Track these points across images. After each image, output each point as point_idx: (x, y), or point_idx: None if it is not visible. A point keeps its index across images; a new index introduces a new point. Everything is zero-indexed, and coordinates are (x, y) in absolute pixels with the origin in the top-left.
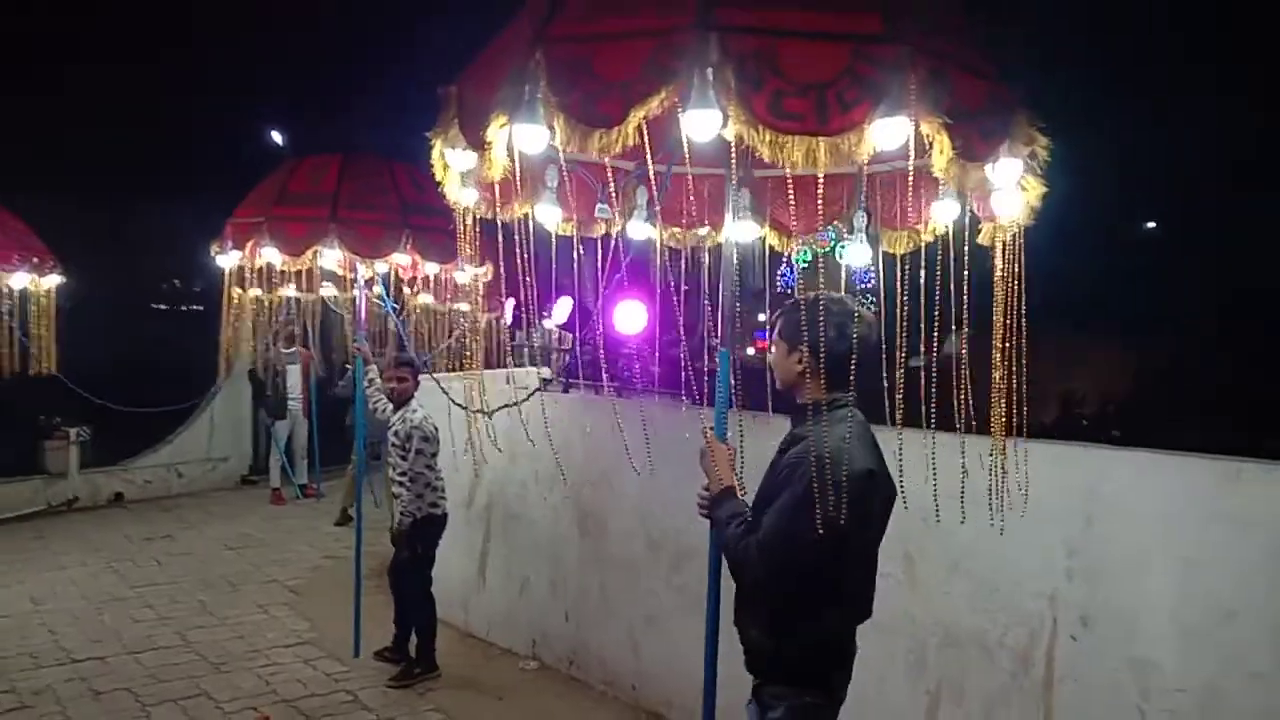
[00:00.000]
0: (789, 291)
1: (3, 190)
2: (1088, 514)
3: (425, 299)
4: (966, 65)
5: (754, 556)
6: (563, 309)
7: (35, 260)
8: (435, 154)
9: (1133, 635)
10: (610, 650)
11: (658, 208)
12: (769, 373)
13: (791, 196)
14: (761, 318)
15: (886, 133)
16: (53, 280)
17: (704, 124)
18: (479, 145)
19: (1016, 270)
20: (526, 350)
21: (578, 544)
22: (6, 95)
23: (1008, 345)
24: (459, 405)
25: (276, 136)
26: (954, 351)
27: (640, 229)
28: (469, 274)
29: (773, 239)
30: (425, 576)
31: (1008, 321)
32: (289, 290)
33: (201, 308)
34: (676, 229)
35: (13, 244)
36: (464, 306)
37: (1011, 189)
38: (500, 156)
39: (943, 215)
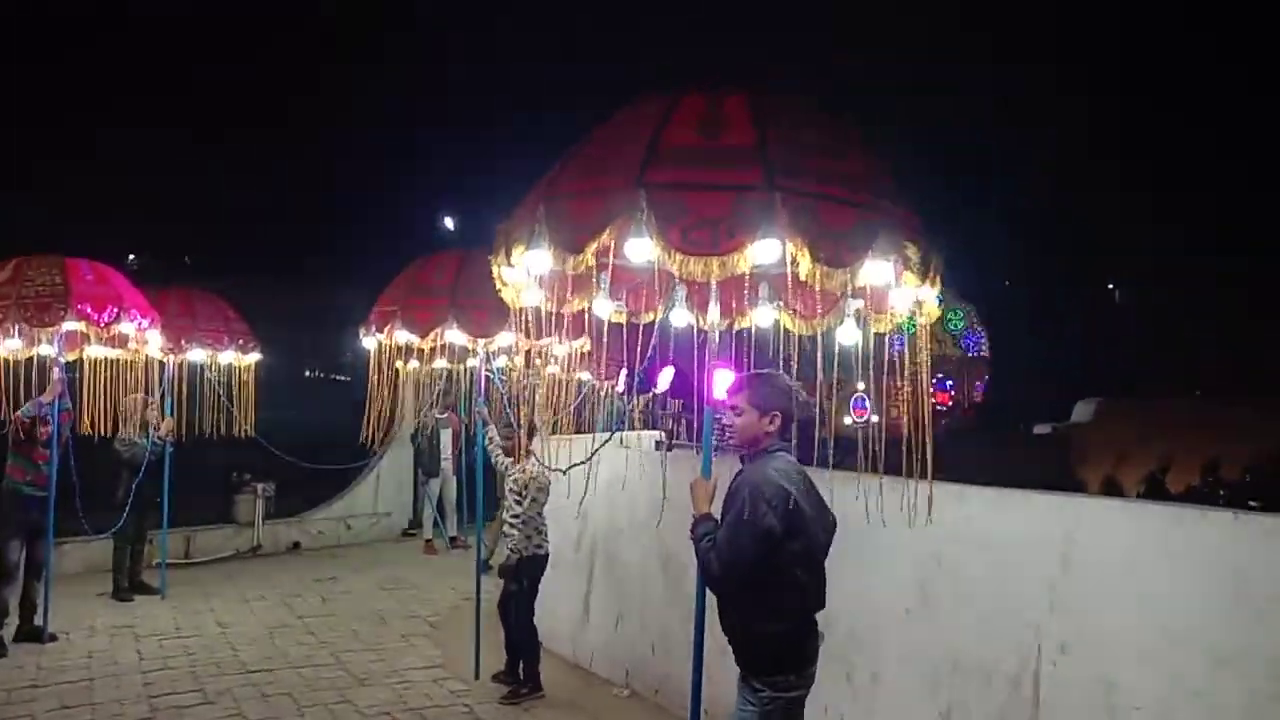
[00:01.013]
0: (897, 358)
1: (212, 275)
2: (1064, 555)
3: (552, 369)
4: (837, 199)
5: (713, 562)
6: (666, 378)
7: (241, 340)
8: (503, 257)
9: (1101, 659)
10: (690, 679)
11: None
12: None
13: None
14: (861, 386)
15: (764, 251)
16: (253, 357)
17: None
18: (576, 251)
19: (923, 357)
20: (636, 414)
21: (662, 584)
22: (209, 190)
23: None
24: (543, 465)
25: (449, 222)
26: (1084, 419)
27: (680, 316)
28: (566, 347)
29: (787, 322)
30: (529, 608)
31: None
32: (441, 362)
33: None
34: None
35: (223, 327)
36: (585, 375)
37: (895, 287)
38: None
39: (900, 305)
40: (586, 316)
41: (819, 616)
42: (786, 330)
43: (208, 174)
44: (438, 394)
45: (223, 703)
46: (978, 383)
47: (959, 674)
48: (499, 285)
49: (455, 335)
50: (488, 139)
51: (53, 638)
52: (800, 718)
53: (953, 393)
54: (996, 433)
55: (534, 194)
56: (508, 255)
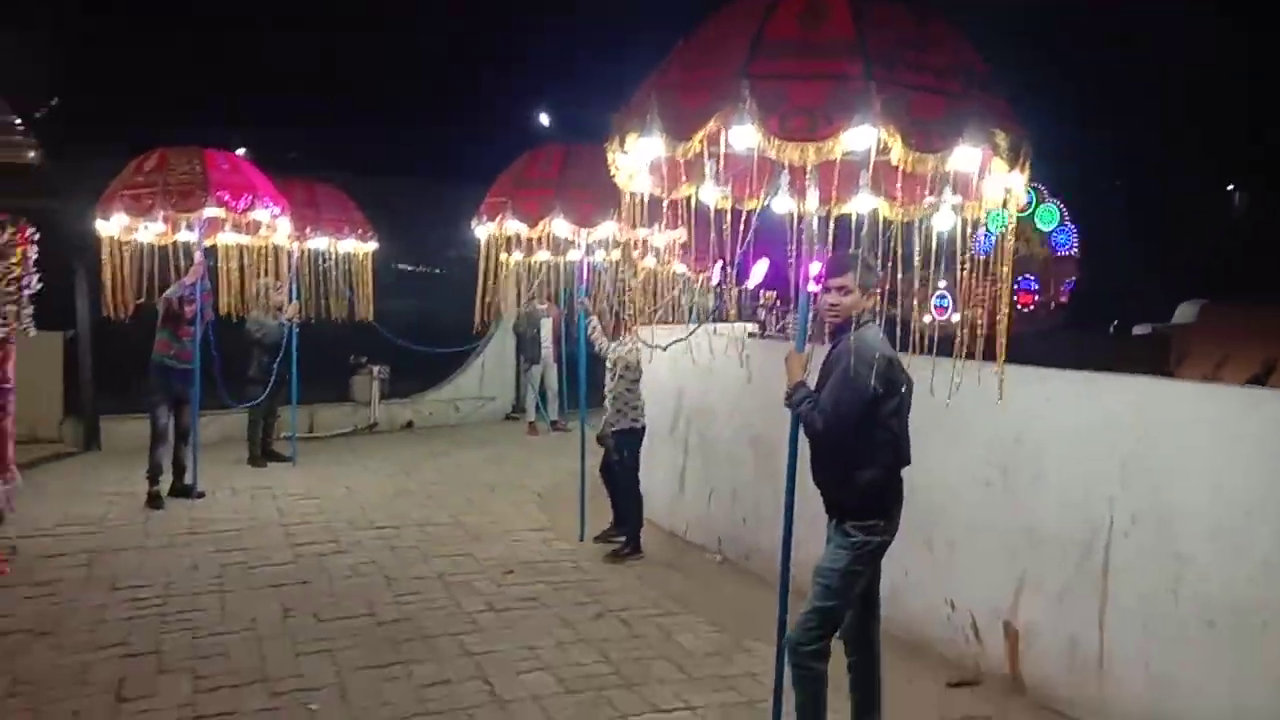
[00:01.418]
0: (985, 258)
1: (334, 171)
2: (1139, 433)
3: (649, 261)
4: (929, 89)
5: (817, 418)
6: (760, 270)
7: (360, 230)
8: (617, 144)
9: (1171, 533)
10: (777, 547)
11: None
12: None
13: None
14: (942, 284)
15: (857, 137)
16: (370, 246)
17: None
18: (684, 139)
19: (1008, 243)
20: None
21: (752, 460)
22: (325, 92)
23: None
24: (637, 343)
25: (544, 119)
26: (1187, 320)
27: (782, 203)
28: (666, 237)
29: (885, 210)
30: (631, 476)
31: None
32: (543, 254)
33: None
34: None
35: (344, 216)
36: (680, 268)
37: (983, 174)
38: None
39: (991, 193)
40: (688, 206)
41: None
42: (881, 219)
43: (311, 73)
44: (538, 284)
45: (356, 552)
46: (1065, 282)
47: (1034, 544)
48: (613, 171)
49: (561, 225)
50: (589, 35)
51: (200, 495)
52: (879, 566)
53: (1037, 293)
54: (1086, 333)
55: (646, 84)
56: (622, 142)
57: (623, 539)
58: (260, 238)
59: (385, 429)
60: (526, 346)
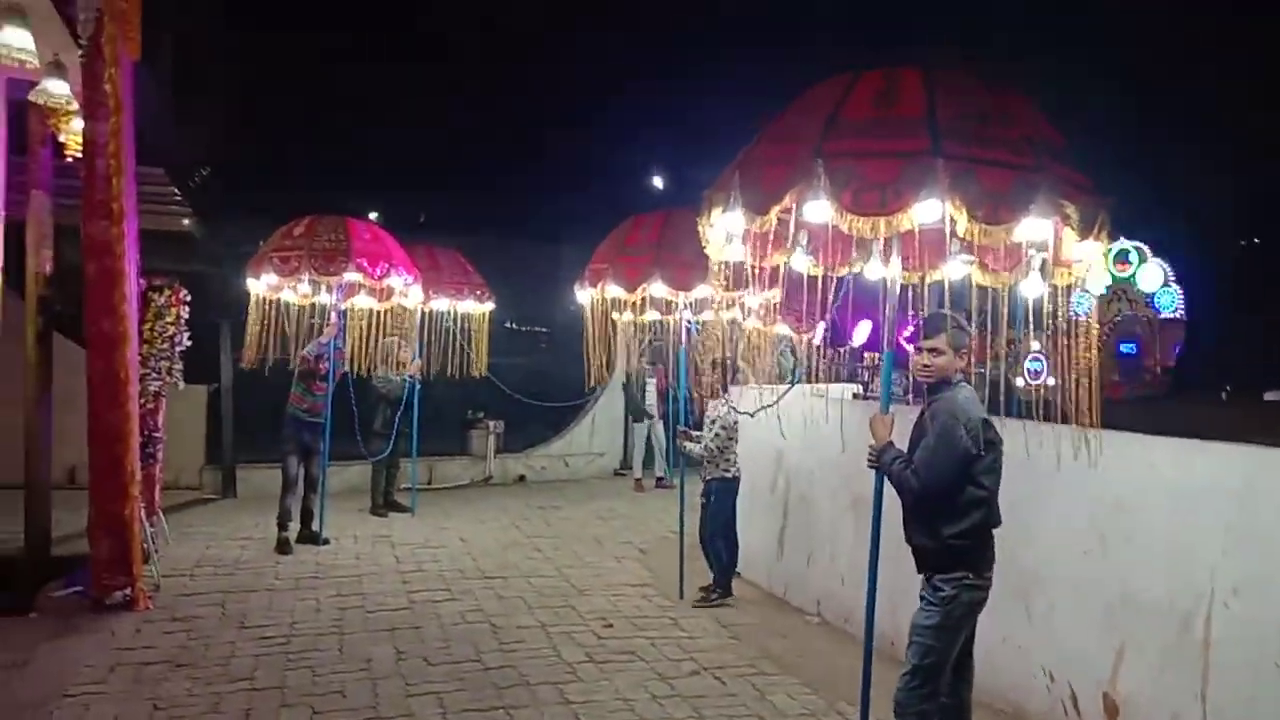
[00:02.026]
0: (1083, 319)
1: (456, 234)
2: (1243, 500)
3: (751, 322)
4: (998, 163)
5: (912, 478)
6: (863, 331)
7: (478, 291)
8: (706, 218)
9: (1275, 603)
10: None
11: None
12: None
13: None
14: (1035, 346)
15: (925, 211)
16: (488, 306)
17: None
18: (762, 213)
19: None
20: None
21: (852, 522)
22: (448, 161)
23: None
24: (732, 407)
25: (657, 181)
26: None
27: (876, 269)
28: (760, 298)
29: (977, 276)
30: (724, 523)
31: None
32: (652, 314)
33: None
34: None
35: (464, 279)
36: (783, 329)
37: (1057, 243)
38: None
39: (1084, 258)
40: (786, 269)
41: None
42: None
43: (437, 141)
44: (645, 344)
45: (466, 600)
46: (1171, 345)
47: (1133, 611)
48: (704, 242)
49: (659, 288)
50: (697, 105)
51: (326, 541)
52: (973, 625)
53: (1141, 358)
54: (1195, 398)
55: (733, 163)
56: (709, 216)
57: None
58: (392, 301)
59: (499, 482)
60: (632, 404)
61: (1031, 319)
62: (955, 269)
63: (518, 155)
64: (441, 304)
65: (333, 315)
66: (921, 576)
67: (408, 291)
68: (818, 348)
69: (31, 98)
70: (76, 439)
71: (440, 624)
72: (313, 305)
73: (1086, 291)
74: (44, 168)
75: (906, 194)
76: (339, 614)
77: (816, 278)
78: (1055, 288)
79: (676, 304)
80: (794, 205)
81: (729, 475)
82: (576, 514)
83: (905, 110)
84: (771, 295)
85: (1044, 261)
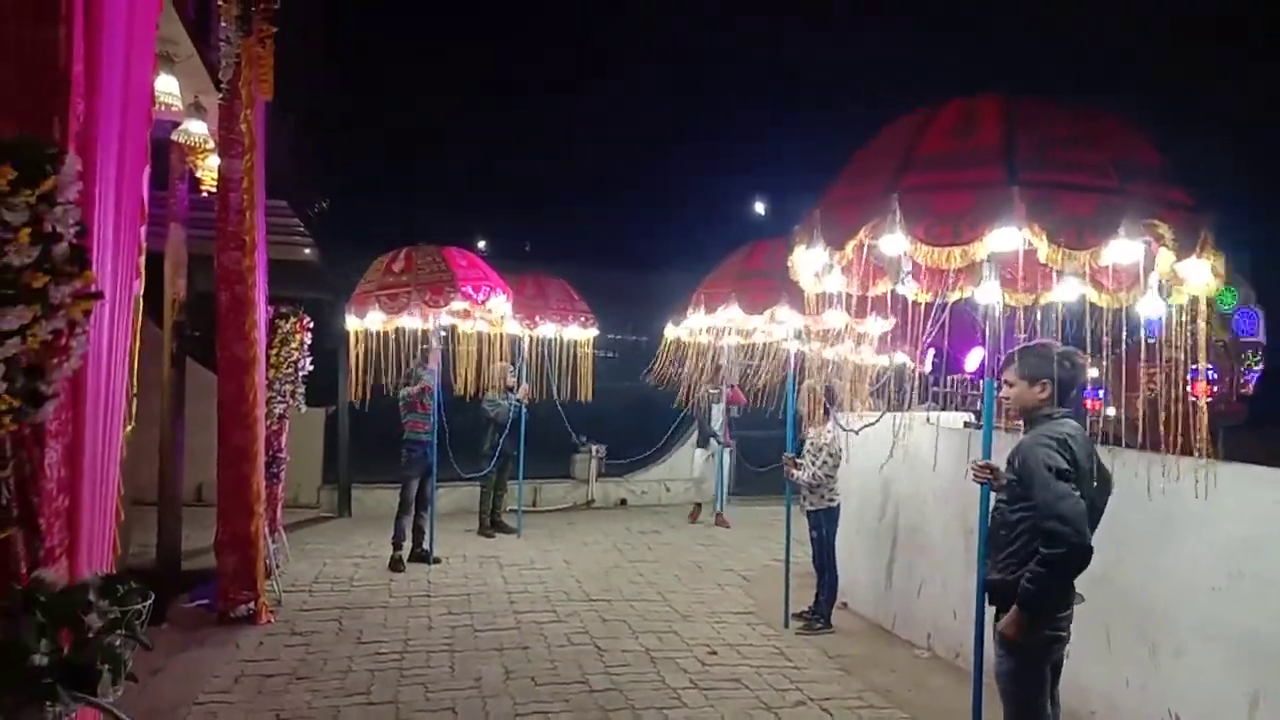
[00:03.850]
0: (1157, 340)
1: (557, 263)
2: None
3: (861, 352)
4: (1080, 187)
5: (1056, 526)
6: (975, 358)
7: (582, 318)
8: (793, 253)
9: None
10: (987, 645)
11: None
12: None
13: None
14: (1094, 374)
15: (1002, 239)
16: (591, 332)
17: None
18: (840, 248)
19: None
20: (943, 394)
21: (964, 553)
22: (554, 191)
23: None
24: (839, 426)
25: (759, 208)
26: None
27: (987, 293)
28: (879, 326)
29: (1093, 296)
30: (825, 552)
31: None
32: (733, 339)
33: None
34: (1015, 292)
35: (568, 305)
36: (894, 357)
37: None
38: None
39: (1195, 278)
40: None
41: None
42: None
43: (543, 171)
44: (714, 367)
45: (571, 622)
46: (1250, 371)
47: (1267, 656)
48: (794, 275)
49: (786, 313)
50: (801, 133)
51: (436, 560)
52: (1059, 665)
53: (1217, 383)
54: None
55: (818, 201)
56: (794, 251)
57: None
58: (493, 322)
59: (601, 505)
60: (703, 429)
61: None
62: (1069, 290)
63: (621, 185)
64: (547, 330)
65: (434, 341)
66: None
67: (505, 312)
68: (925, 375)
69: (173, 137)
70: (204, 458)
71: (546, 644)
72: (398, 332)
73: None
74: (181, 202)
75: (981, 224)
76: (450, 632)
77: (921, 304)
78: (1177, 307)
79: (787, 331)
80: (872, 238)
81: (834, 504)
82: (677, 539)
83: (982, 140)
84: (884, 324)
85: (1160, 281)
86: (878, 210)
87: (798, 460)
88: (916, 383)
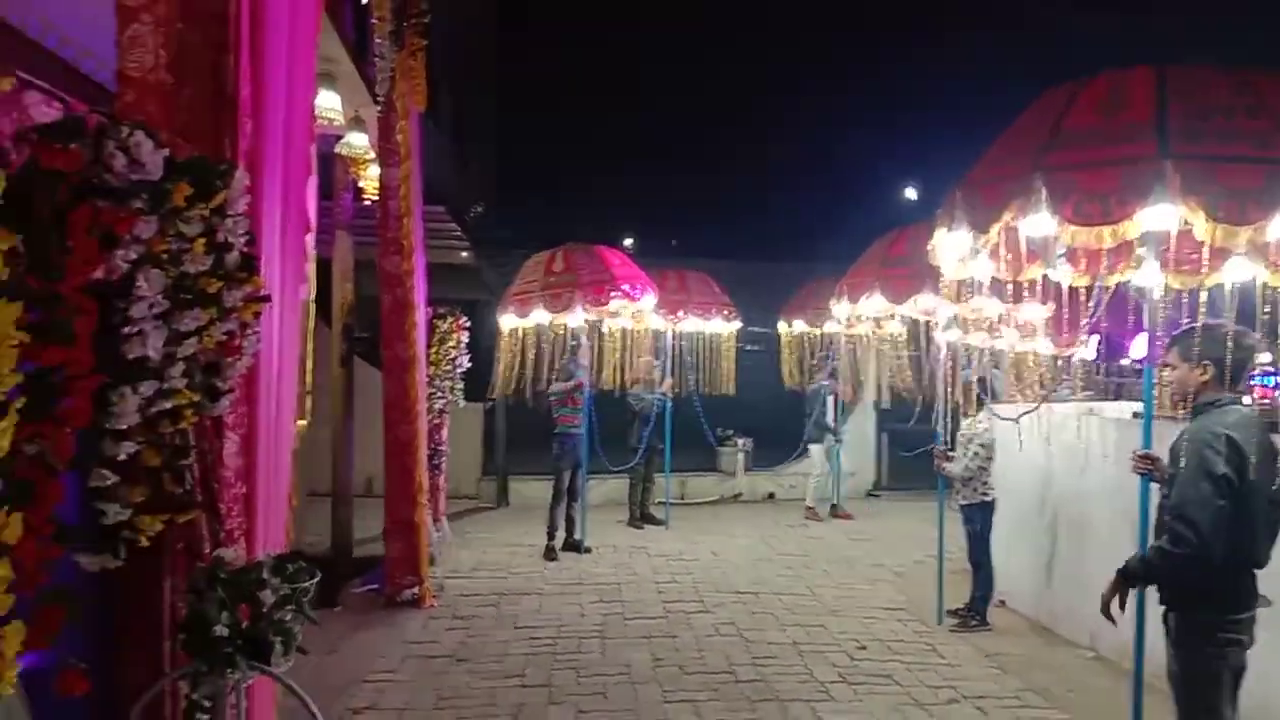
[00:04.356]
0: None
1: (704, 257)
2: None
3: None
4: (1242, 159)
5: (1180, 529)
6: (1141, 344)
7: (725, 311)
8: (935, 237)
9: None
10: (1158, 645)
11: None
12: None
13: None
14: (1267, 357)
15: (1156, 216)
16: (734, 326)
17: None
18: (984, 231)
19: None
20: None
21: (1131, 551)
22: (701, 188)
23: None
24: (1000, 417)
25: (910, 193)
26: None
27: (1146, 275)
28: (1038, 311)
29: (1267, 276)
30: (980, 548)
31: None
32: (863, 327)
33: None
34: (1179, 273)
35: (711, 299)
36: (1045, 344)
37: None
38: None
39: None
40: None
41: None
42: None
43: (686, 164)
44: (820, 359)
45: (719, 613)
46: None
47: None
48: (936, 260)
49: (929, 300)
50: (953, 116)
51: (588, 550)
52: (1240, 672)
53: None
54: None
55: (956, 184)
56: (936, 236)
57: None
58: (636, 318)
59: (748, 499)
60: (820, 422)
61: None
62: (1240, 270)
63: (766, 178)
64: (690, 324)
65: (582, 338)
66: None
67: (650, 307)
68: (1088, 364)
69: (337, 150)
70: (374, 452)
71: (694, 634)
72: (542, 329)
73: None
74: (346, 210)
75: (1131, 201)
76: (600, 619)
77: (1080, 289)
78: None
79: (934, 320)
80: (1017, 220)
81: (988, 499)
82: (827, 533)
83: (1132, 115)
84: (1042, 311)
85: None
86: (1022, 190)
87: (949, 453)
88: (1079, 371)
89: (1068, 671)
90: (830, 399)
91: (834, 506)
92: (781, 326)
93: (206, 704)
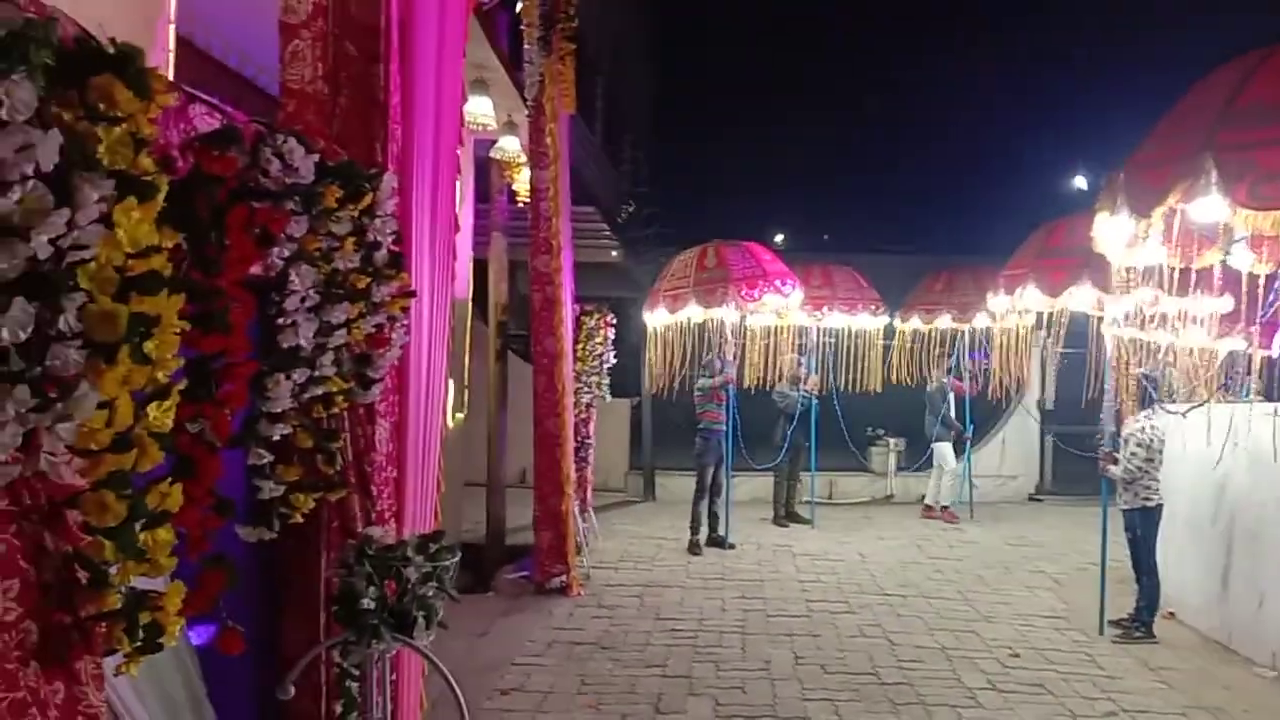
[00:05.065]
0: None
1: (858, 253)
2: None
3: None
4: None
5: None
6: None
7: (872, 306)
8: (1098, 221)
9: None
10: None
11: None
12: None
13: None
14: None
15: None
16: (881, 321)
17: None
18: (1145, 216)
19: None
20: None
21: None
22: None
23: None
24: (1168, 411)
25: (1080, 182)
26: None
27: None
28: (1214, 304)
29: None
30: (1144, 555)
31: None
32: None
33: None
34: None
35: (857, 295)
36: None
37: None
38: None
39: None
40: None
41: None
42: None
43: (840, 162)
44: (940, 355)
45: (864, 614)
46: None
47: None
48: (1098, 247)
49: (1087, 294)
50: (1123, 96)
51: (731, 546)
52: None
53: None
54: None
55: (1123, 166)
56: (1096, 220)
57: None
58: (780, 313)
59: (901, 500)
60: (946, 420)
61: None
62: None
63: (926, 166)
64: (836, 320)
65: (728, 335)
66: None
67: (795, 304)
68: (1273, 360)
69: (492, 154)
70: (528, 444)
71: (837, 634)
72: (688, 324)
73: None
74: (501, 212)
75: None
76: (742, 615)
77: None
78: None
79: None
80: (1184, 203)
81: (1150, 504)
82: (982, 537)
83: None
84: (1218, 303)
85: None
86: (1189, 171)
87: (1115, 455)
88: (1259, 368)
89: (1244, 691)
90: (952, 396)
91: (944, 507)
92: (896, 322)
93: (355, 672)
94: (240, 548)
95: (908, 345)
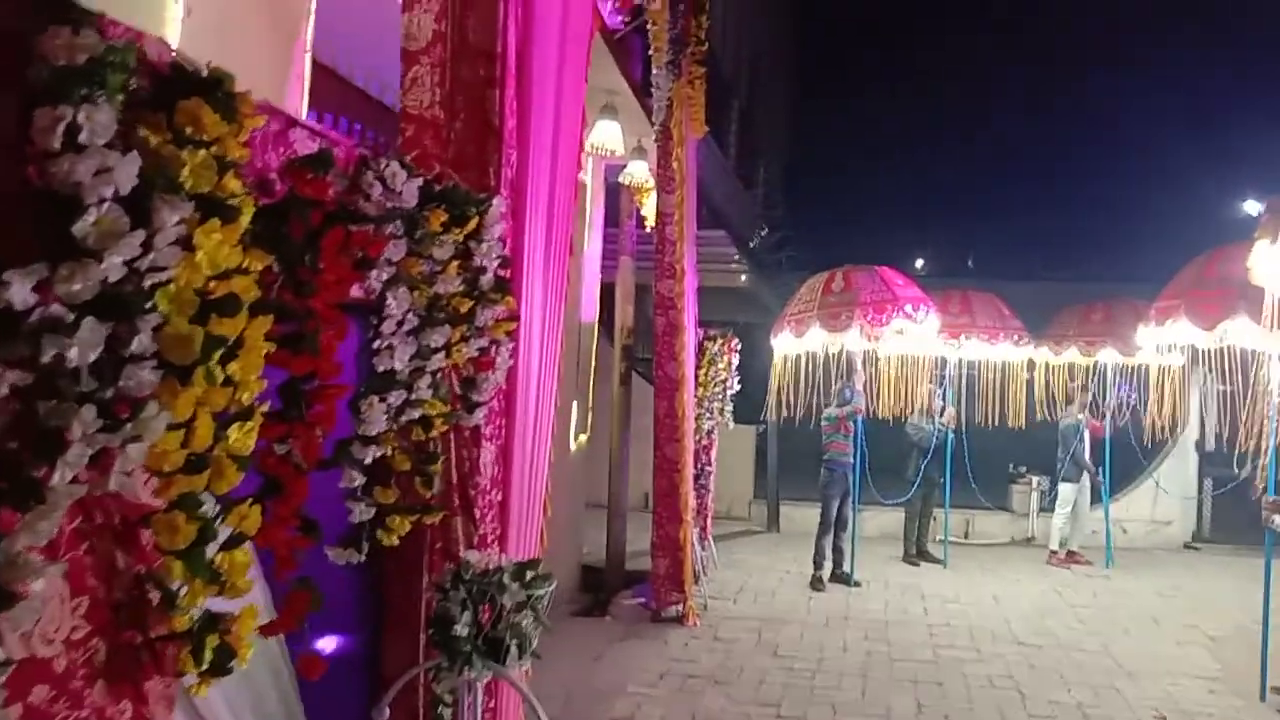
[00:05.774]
0: None
1: (1000, 279)
2: None
3: None
4: None
5: None
6: None
7: (1015, 336)
8: (1258, 249)
9: None
10: None
11: None
12: None
13: None
14: None
15: None
16: (1026, 351)
17: None
18: None
19: None
20: None
21: None
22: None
23: None
24: None
25: (1250, 207)
26: None
27: None
28: None
29: None
30: None
31: None
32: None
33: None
34: None
35: (999, 324)
36: None
37: None
38: None
39: None
40: None
41: None
42: None
43: (983, 187)
44: (1073, 390)
45: (995, 664)
46: None
47: None
48: (1254, 278)
49: (1243, 326)
50: None
51: (857, 584)
52: None
53: None
54: None
55: None
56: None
57: None
58: (917, 341)
59: (1042, 543)
60: (1079, 459)
61: None
62: None
63: (1080, 189)
64: (975, 349)
65: (856, 362)
66: None
67: (931, 332)
68: None
69: (620, 179)
70: (651, 468)
71: (965, 683)
72: (813, 354)
73: None
74: (629, 237)
75: None
76: (864, 657)
77: None
78: None
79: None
80: None
81: None
82: (1131, 586)
83: None
84: None
85: None
86: None
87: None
88: None
89: None
90: (1087, 434)
91: (1069, 551)
92: (1027, 351)
93: (448, 699)
94: (345, 567)
95: (1054, 378)
